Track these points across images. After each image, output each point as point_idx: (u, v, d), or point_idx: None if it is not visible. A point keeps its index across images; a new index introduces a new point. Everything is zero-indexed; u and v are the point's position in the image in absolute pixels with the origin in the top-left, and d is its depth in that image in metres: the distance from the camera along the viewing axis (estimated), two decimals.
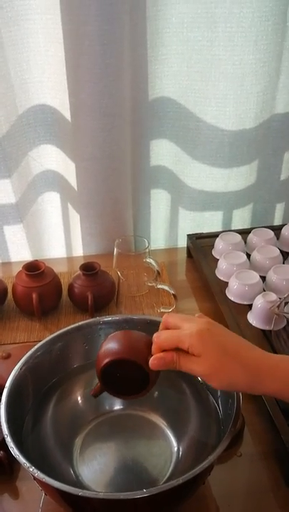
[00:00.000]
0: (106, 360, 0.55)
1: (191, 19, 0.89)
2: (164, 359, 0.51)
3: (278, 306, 0.75)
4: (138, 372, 0.54)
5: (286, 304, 0.80)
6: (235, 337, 0.53)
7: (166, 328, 0.54)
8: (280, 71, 0.96)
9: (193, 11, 0.88)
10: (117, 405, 0.70)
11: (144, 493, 0.48)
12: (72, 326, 0.70)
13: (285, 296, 0.79)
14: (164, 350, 0.52)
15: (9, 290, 0.94)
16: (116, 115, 0.94)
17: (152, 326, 0.69)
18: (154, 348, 0.53)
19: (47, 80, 0.94)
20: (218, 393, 0.63)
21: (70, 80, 0.90)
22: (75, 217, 1.10)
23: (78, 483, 0.60)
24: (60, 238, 1.15)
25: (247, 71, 0.93)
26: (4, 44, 0.88)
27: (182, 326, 0.52)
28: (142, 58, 0.93)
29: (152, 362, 0.52)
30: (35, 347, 0.66)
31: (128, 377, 0.55)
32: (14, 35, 0.88)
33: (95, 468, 0.62)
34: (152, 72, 0.95)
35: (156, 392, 0.70)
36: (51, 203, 1.10)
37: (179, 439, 0.65)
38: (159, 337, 0.53)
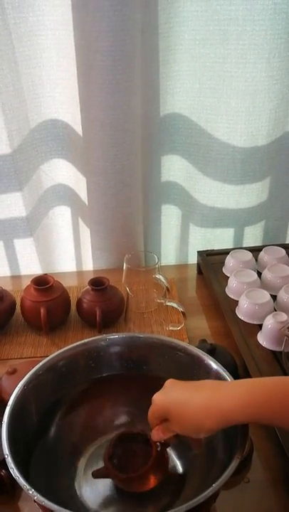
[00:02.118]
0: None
1: (203, 36, 0.89)
2: (156, 432, 0.58)
3: None
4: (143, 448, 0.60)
5: None
6: (185, 388, 0.56)
7: None
8: None
9: (205, 28, 0.88)
10: (122, 424, 0.68)
11: None
12: (78, 342, 0.69)
13: None
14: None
15: (17, 304, 0.94)
16: (127, 130, 0.94)
17: (158, 346, 0.68)
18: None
19: (59, 95, 0.95)
20: None
21: (81, 94, 0.91)
22: (85, 232, 1.09)
23: (80, 505, 0.59)
24: (70, 252, 1.15)
25: (259, 88, 0.93)
26: (17, 59, 0.88)
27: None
28: (153, 74, 0.93)
29: (152, 435, 0.58)
30: (39, 365, 0.65)
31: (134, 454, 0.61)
32: (27, 51, 0.89)
33: (98, 490, 0.61)
34: (164, 89, 0.95)
35: None
36: (62, 217, 1.10)
37: (184, 464, 0.63)
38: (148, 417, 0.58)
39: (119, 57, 0.86)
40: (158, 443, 0.60)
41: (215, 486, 0.49)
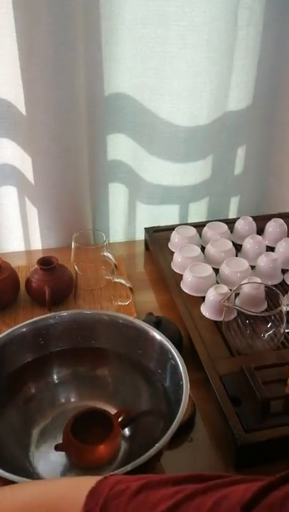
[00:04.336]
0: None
1: (143, 16, 0.90)
2: None
3: (228, 298, 0.78)
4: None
5: (236, 295, 0.83)
6: None
7: None
8: (232, 69, 0.99)
9: (146, 8, 0.89)
10: (73, 398, 0.72)
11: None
12: (28, 321, 0.70)
13: (235, 288, 0.82)
14: None
15: None
16: (71, 110, 0.94)
17: (106, 321, 0.72)
18: None
19: (2, 75, 0.93)
20: (168, 382, 0.65)
21: (24, 75, 0.90)
22: (32, 211, 1.10)
23: (35, 475, 0.62)
24: (17, 232, 1.15)
25: (199, 69, 0.96)
26: None
27: None
28: (96, 55, 0.93)
29: None
30: None
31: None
32: None
33: (51, 460, 0.64)
34: (107, 69, 0.96)
35: (111, 383, 0.73)
36: (8, 196, 1.10)
37: (131, 429, 0.67)
38: None
39: (62, 39, 0.86)
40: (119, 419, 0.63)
41: (158, 445, 0.53)
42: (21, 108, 0.95)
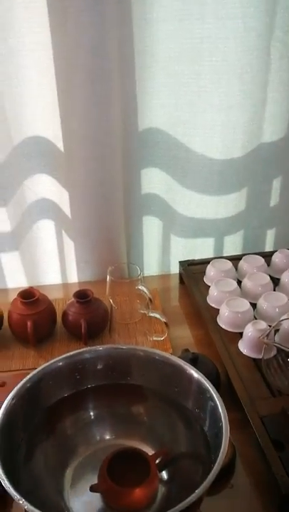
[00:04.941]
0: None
1: (177, 54, 0.92)
2: None
3: (268, 335, 0.76)
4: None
5: (276, 332, 0.81)
6: None
7: None
8: (266, 102, 0.99)
9: (179, 46, 0.91)
10: (108, 435, 0.70)
11: None
12: (64, 355, 0.70)
13: (274, 324, 0.80)
14: None
15: (5, 317, 0.95)
16: (107, 144, 0.96)
17: (141, 357, 0.70)
18: None
19: (41, 112, 0.97)
20: (207, 423, 0.63)
21: (62, 111, 0.93)
22: (69, 245, 1.11)
23: None
24: (55, 265, 1.17)
25: (233, 103, 0.96)
26: None
27: None
28: (131, 90, 0.95)
29: None
30: (27, 377, 0.66)
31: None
32: (8, 71, 0.91)
33: (85, 501, 0.62)
34: (142, 104, 0.98)
35: (147, 422, 0.71)
36: (46, 230, 1.12)
37: (168, 471, 0.65)
38: None
39: (98, 74, 0.88)
40: (156, 460, 0.61)
41: (198, 491, 0.51)
42: (59, 144, 0.98)
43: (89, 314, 0.91)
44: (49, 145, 1.00)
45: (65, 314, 0.93)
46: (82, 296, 0.91)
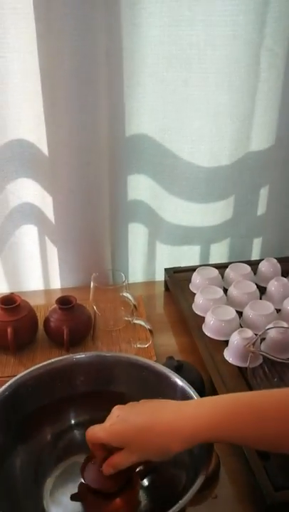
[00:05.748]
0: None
1: (166, 60, 0.92)
2: (112, 465, 0.55)
3: (254, 344, 0.75)
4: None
5: (262, 340, 0.80)
6: (144, 413, 0.55)
7: None
8: (254, 110, 0.99)
9: (168, 52, 0.91)
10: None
11: None
12: (45, 362, 0.68)
13: (261, 333, 0.79)
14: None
15: None
16: (93, 150, 0.95)
17: (125, 365, 0.69)
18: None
19: (25, 117, 0.95)
20: None
21: (47, 116, 0.92)
22: (52, 250, 1.09)
23: None
24: (37, 271, 1.14)
25: (221, 110, 0.96)
26: None
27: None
28: (118, 96, 0.95)
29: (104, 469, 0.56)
30: (5, 385, 0.64)
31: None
32: None
33: (67, 510, 0.60)
34: (129, 110, 0.97)
35: None
36: (29, 235, 1.10)
37: (150, 479, 0.63)
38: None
39: (84, 80, 0.87)
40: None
41: (181, 502, 0.50)
42: (44, 148, 0.96)
43: (72, 321, 0.89)
44: (33, 149, 0.98)
45: (47, 321, 0.91)
46: (65, 303, 0.89)
